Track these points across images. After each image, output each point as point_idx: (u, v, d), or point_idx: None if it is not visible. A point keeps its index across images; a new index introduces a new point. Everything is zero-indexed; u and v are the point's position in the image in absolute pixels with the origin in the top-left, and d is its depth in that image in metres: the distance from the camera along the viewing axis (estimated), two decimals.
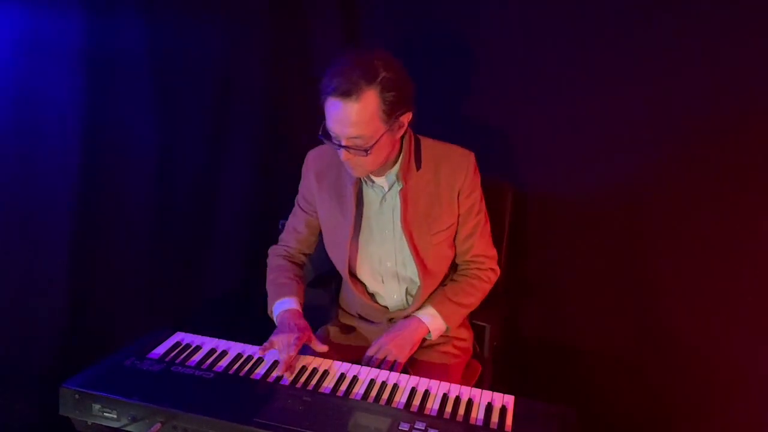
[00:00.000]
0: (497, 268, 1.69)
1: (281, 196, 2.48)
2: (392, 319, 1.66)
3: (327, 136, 1.40)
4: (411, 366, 1.62)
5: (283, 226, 2.07)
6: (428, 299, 1.63)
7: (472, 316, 1.74)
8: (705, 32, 1.67)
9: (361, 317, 1.73)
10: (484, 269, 1.66)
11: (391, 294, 1.66)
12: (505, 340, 1.95)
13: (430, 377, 1.40)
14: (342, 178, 1.58)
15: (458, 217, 1.58)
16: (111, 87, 1.97)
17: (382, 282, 1.64)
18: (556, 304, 2.12)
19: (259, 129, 2.39)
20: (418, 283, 1.61)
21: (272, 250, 1.74)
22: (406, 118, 1.43)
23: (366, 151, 1.37)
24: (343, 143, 1.37)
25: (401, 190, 1.52)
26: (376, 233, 1.59)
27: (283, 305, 1.57)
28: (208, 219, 2.35)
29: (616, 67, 1.85)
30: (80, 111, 1.89)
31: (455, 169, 1.54)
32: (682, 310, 1.83)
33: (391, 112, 1.36)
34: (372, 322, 1.70)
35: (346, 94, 1.31)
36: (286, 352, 1.39)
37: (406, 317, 1.62)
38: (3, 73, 1.75)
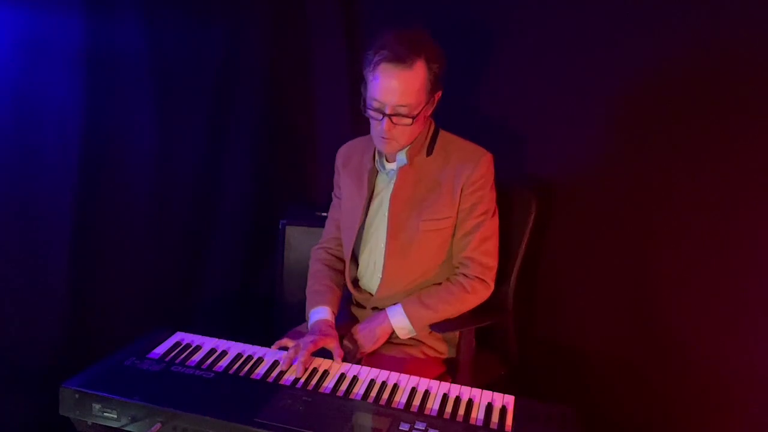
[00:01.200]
0: (490, 282, 1.60)
1: (281, 197, 2.49)
2: (375, 307, 1.68)
3: (370, 108, 1.45)
4: (371, 358, 1.61)
5: (284, 226, 2.09)
6: (403, 301, 1.60)
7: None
8: (718, 32, 1.67)
9: (357, 303, 1.77)
10: (471, 278, 1.59)
11: (376, 273, 1.65)
12: (517, 343, 1.92)
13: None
14: (362, 165, 1.64)
15: (458, 212, 1.56)
16: (111, 87, 1.97)
17: (374, 263, 1.66)
18: (556, 304, 2.11)
19: (258, 129, 2.39)
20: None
21: (313, 253, 1.79)
22: (438, 96, 1.51)
23: (412, 119, 1.43)
24: (389, 111, 1.42)
25: (402, 167, 1.56)
26: (380, 215, 1.62)
27: (317, 314, 1.61)
28: (208, 219, 2.35)
29: (616, 68, 1.85)
30: (80, 110, 1.89)
31: (464, 162, 1.54)
32: (684, 311, 1.83)
33: (434, 85, 1.45)
34: (362, 307, 1.74)
35: (401, 60, 1.37)
36: (294, 350, 1.41)
37: (376, 309, 1.65)
38: (3, 73, 1.75)
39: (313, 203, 2.43)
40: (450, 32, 2.16)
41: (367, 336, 1.57)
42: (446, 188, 1.54)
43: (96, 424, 1.27)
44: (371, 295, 1.68)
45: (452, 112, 2.16)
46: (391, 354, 1.62)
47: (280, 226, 2.25)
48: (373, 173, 1.62)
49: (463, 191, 1.54)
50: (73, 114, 1.88)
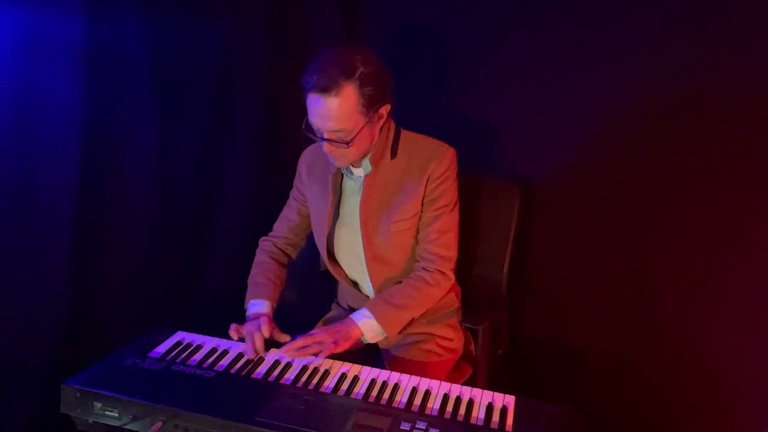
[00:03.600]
0: (450, 273, 1.60)
1: (281, 197, 2.49)
2: None
3: (310, 129, 1.46)
4: (388, 362, 1.63)
5: None
6: (367, 302, 1.59)
7: (468, 320, 1.73)
8: (710, 30, 1.68)
9: (350, 308, 1.75)
10: (431, 270, 1.58)
11: (368, 280, 1.66)
12: (508, 342, 1.94)
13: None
14: (327, 170, 1.64)
15: (422, 204, 1.56)
16: (111, 87, 1.96)
17: (360, 269, 1.66)
18: (556, 304, 2.12)
19: (259, 129, 2.39)
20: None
21: (261, 243, 1.80)
22: (385, 110, 1.48)
23: (347, 143, 1.42)
24: (326, 136, 1.43)
25: (367, 175, 1.57)
26: (352, 221, 1.62)
27: (255, 307, 1.63)
28: (209, 218, 2.35)
29: (609, 65, 1.86)
30: (80, 110, 1.88)
31: (429, 158, 1.54)
32: (683, 310, 1.84)
33: (370, 105, 1.41)
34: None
35: (326, 90, 1.36)
36: (250, 337, 1.47)
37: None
38: (3, 73, 1.75)
39: None
40: (449, 31, 2.17)
41: (332, 334, 1.50)
42: (412, 186, 1.55)
43: (97, 422, 1.27)
44: (368, 298, 1.69)
45: (438, 110, 2.17)
46: (410, 357, 1.62)
47: None
48: (338, 177, 1.62)
49: (428, 184, 1.54)
50: (73, 114, 1.88)
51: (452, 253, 1.61)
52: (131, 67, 2.01)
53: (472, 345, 1.75)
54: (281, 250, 1.78)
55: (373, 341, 1.59)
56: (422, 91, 2.32)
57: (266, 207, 2.44)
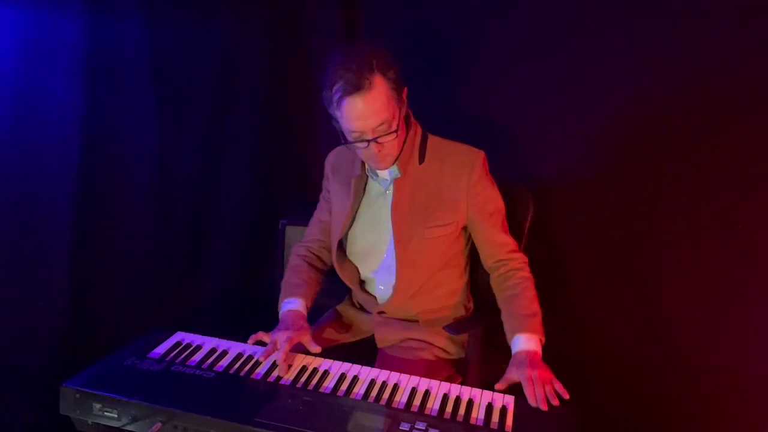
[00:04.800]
0: (525, 257, 1.62)
1: (281, 197, 2.49)
2: (382, 312, 1.67)
3: (348, 139, 1.46)
4: (380, 363, 1.62)
5: (284, 226, 2.09)
6: (508, 329, 1.53)
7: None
8: (714, 31, 1.67)
9: (360, 306, 1.77)
10: (520, 267, 1.59)
11: (379, 285, 1.67)
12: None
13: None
14: (351, 172, 1.64)
15: (466, 216, 1.57)
16: (111, 87, 1.97)
17: (373, 270, 1.66)
18: (558, 305, 2.11)
19: (259, 129, 2.39)
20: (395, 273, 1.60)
21: (294, 250, 1.79)
22: (405, 93, 1.49)
23: (395, 133, 1.43)
24: (370, 137, 1.42)
25: (397, 179, 1.56)
26: (374, 223, 1.62)
27: (288, 305, 1.61)
28: (208, 219, 2.35)
29: (618, 67, 1.85)
30: (80, 110, 1.89)
31: (461, 166, 1.55)
32: (684, 311, 1.83)
33: (398, 89, 1.43)
34: (367, 312, 1.73)
35: (359, 87, 1.36)
36: (272, 346, 1.43)
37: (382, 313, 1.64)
38: (3, 73, 1.75)
39: (313, 203, 2.43)
40: (449, 30, 2.17)
41: (544, 369, 1.41)
42: (447, 194, 1.55)
43: (96, 423, 1.27)
44: (376, 300, 1.69)
45: (451, 111, 2.16)
46: (403, 357, 1.62)
47: (280, 226, 2.25)
48: (362, 180, 1.63)
49: (468, 196, 1.55)
50: (73, 114, 1.88)
51: (515, 245, 1.63)
52: (131, 67, 2.01)
53: (465, 351, 1.73)
54: (315, 254, 1.77)
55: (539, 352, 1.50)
56: (423, 92, 2.32)
57: (266, 207, 2.45)
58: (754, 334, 1.68)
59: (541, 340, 1.49)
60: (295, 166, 2.51)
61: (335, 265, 1.70)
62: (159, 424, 1.21)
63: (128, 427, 1.25)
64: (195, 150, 2.26)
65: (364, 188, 1.64)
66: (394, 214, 1.57)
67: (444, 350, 1.65)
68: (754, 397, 1.69)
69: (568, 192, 2.03)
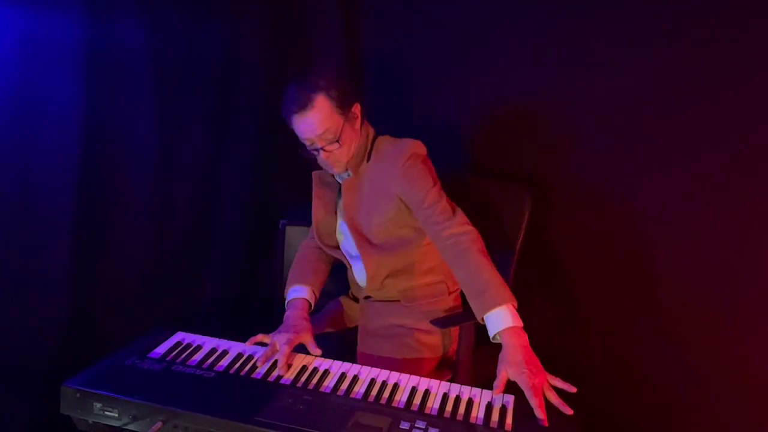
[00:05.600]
0: (467, 224, 1.58)
1: (281, 197, 2.49)
2: (368, 297, 1.78)
3: (305, 151, 1.66)
4: (361, 361, 1.62)
5: (284, 226, 2.12)
6: (475, 309, 1.49)
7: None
8: (711, 31, 1.68)
9: (353, 297, 1.89)
10: (462, 233, 1.55)
11: (357, 269, 1.77)
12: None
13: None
14: (329, 180, 1.81)
15: (398, 197, 1.64)
16: (111, 86, 1.96)
17: (351, 258, 1.78)
18: (557, 304, 2.12)
19: (259, 129, 2.39)
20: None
21: (303, 243, 1.91)
22: (356, 108, 1.66)
23: (338, 142, 1.60)
24: (319, 145, 1.61)
25: (346, 179, 1.72)
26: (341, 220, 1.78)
27: (295, 293, 1.70)
28: (208, 219, 2.35)
29: (617, 64, 1.86)
30: (80, 110, 1.88)
31: (392, 155, 1.65)
32: (684, 311, 1.83)
33: (341, 105, 1.60)
34: (355, 300, 1.86)
35: (303, 107, 1.57)
36: (271, 349, 1.46)
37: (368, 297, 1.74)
38: (3, 73, 1.75)
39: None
40: (452, 31, 2.17)
41: (534, 363, 1.38)
42: (383, 184, 1.66)
43: (97, 422, 1.28)
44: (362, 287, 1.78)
45: (448, 109, 2.17)
46: (386, 350, 1.66)
47: (280, 226, 2.25)
48: (335, 187, 1.80)
49: (397, 181, 1.62)
50: (73, 114, 1.88)
51: (452, 211, 1.60)
52: (131, 67, 2.01)
53: (455, 346, 1.73)
54: (321, 249, 1.86)
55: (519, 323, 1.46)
56: (423, 91, 2.32)
57: (266, 207, 2.45)
58: (755, 334, 1.68)
59: (514, 306, 1.44)
60: (295, 166, 2.51)
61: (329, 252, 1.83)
62: (159, 424, 1.21)
63: (129, 427, 1.25)
64: (195, 150, 2.26)
65: (339, 189, 1.77)
66: (345, 211, 1.72)
67: (424, 330, 1.69)
68: (754, 397, 1.70)
69: (565, 191, 2.03)
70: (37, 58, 1.80)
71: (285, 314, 1.64)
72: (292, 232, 2.24)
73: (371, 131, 1.73)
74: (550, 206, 2.03)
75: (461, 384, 1.38)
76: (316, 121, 1.58)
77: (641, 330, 1.93)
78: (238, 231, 2.43)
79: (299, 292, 1.70)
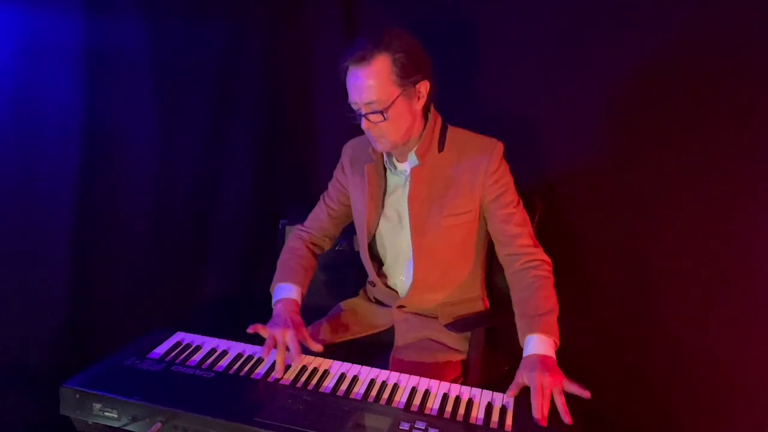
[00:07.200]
0: (546, 256, 1.59)
1: (281, 197, 2.49)
2: (401, 306, 1.68)
3: (351, 111, 1.49)
4: (393, 365, 1.60)
5: (284, 226, 2.09)
6: (520, 329, 1.50)
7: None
8: (715, 30, 1.67)
9: (377, 301, 1.77)
10: (538, 264, 1.56)
11: (399, 276, 1.68)
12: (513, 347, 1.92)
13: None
14: (366, 162, 1.65)
15: (481, 204, 1.57)
16: (111, 86, 1.97)
17: (396, 263, 1.67)
18: (561, 304, 2.11)
19: (259, 129, 2.39)
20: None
21: (295, 231, 1.80)
22: (424, 86, 1.49)
23: (382, 114, 1.43)
24: (363, 112, 1.46)
25: (415, 167, 1.57)
26: (394, 215, 1.63)
27: (283, 292, 1.61)
28: (208, 219, 2.35)
29: (621, 67, 1.85)
30: (80, 110, 1.89)
31: (479, 154, 1.55)
32: (684, 311, 1.83)
33: (404, 75, 1.43)
34: (385, 306, 1.73)
35: (359, 59, 1.41)
36: (272, 341, 1.42)
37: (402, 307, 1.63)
38: (3, 72, 1.75)
39: (313, 203, 2.44)
40: (452, 29, 2.17)
41: (554, 369, 1.37)
42: (464, 182, 1.56)
43: (96, 423, 1.27)
44: (397, 294, 1.70)
45: (455, 109, 2.16)
46: (418, 356, 1.61)
47: (280, 226, 2.25)
48: (378, 168, 1.63)
49: (484, 184, 1.55)
50: (73, 113, 1.89)
51: (536, 239, 1.60)
52: (131, 66, 2.01)
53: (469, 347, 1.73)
54: (315, 242, 1.78)
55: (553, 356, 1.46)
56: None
57: (266, 207, 2.45)
58: (755, 334, 1.68)
59: (555, 343, 1.45)
60: (295, 166, 2.51)
61: (364, 260, 1.71)
62: (159, 424, 1.21)
63: (128, 427, 1.25)
64: (195, 150, 2.26)
65: (385, 179, 1.64)
66: (411, 202, 1.57)
67: (458, 351, 1.65)
68: (754, 397, 1.69)
69: (573, 192, 2.02)
70: (37, 58, 1.80)
71: (275, 309, 1.57)
72: (292, 232, 2.24)
73: (439, 118, 1.59)
74: (558, 208, 2.03)
75: (471, 386, 1.37)
76: (369, 83, 1.42)
77: (641, 330, 1.93)
78: (238, 231, 2.43)
79: (288, 292, 1.60)
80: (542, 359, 1.39)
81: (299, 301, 1.61)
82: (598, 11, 1.86)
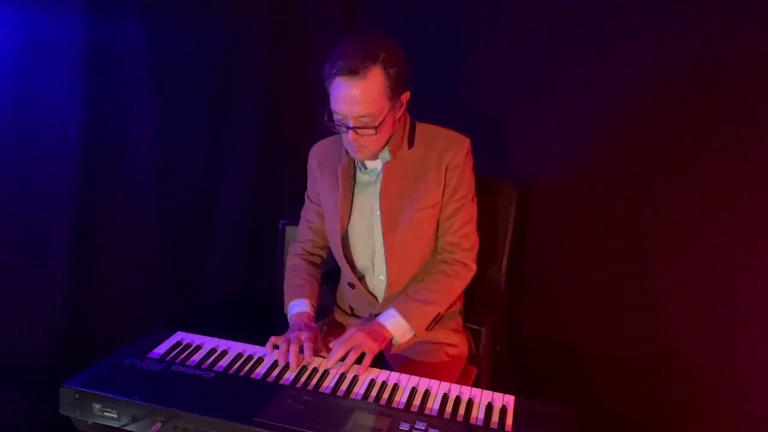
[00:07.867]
0: (471, 263, 1.61)
1: (281, 196, 2.49)
2: (378, 314, 1.64)
3: (331, 120, 1.44)
4: (396, 364, 1.60)
5: (284, 226, 2.09)
6: (394, 303, 1.56)
7: (468, 320, 1.73)
8: (710, 30, 1.67)
9: (352, 312, 1.75)
10: (452, 263, 1.60)
11: (377, 275, 1.66)
12: (507, 342, 1.94)
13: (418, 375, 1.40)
14: (338, 163, 1.62)
15: (443, 194, 1.57)
16: (111, 87, 1.97)
17: (371, 262, 1.66)
18: (556, 304, 2.11)
19: (259, 129, 2.39)
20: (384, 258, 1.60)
21: (290, 250, 1.79)
22: (406, 97, 1.49)
23: (375, 129, 1.41)
24: (351, 124, 1.41)
25: (387, 163, 1.56)
26: (365, 212, 1.62)
27: (296, 308, 1.61)
28: (208, 218, 2.35)
29: (609, 64, 1.85)
30: (80, 110, 1.89)
31: (446, 146, 1.56)
32: (683, 311, 1.83)
33: (395, 89, 1.41)
34: (359, 317, 1.72)
35: (353, 72, 1.35)
36: (286, 347, 1.41)
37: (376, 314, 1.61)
38: (3, 73, 1.76)
39: None
40: (448, 27, 2.17)
41: (372, 335, 1.45)
42: (432, 174, 1.56)
43: (96, 423, 1.27)
44: (376, 300, 1.68)
45: (436, 106, 2.16)
46: (416, 359, 1.60)
47: (280, 226, 2.24)
48: (349, 169, 1.61)
49: (447, 172, 1.55)
50: (73, 114, 1.89)
51: (473, 244, 1.62)
52: (131, 66, 2.01)
53: (472, 345, 1.74)
54: (312, 252, 1.78)
55: (403, 340, 1.56)
56: (419, 87, 2.32)
57: (266, 207, 2.45)
58: (754, 334, 1.68)
59: (411, 330, 1.52)
60: (296, 167, 2.51)
61: (340, 262, 1.69)
62: (159, 424, 1.21)
63: (128, 428, 1.24)
64: (195, 149, 2.26)
65: (354, 179, 1.63)
66: (383, 199, 1.56)
67: (452, 345, 1.65)
68: (754, 397, 1.69)
69: (554, 188, 2.03)
70: (38, 58, 1.80)
71: (290, 322, 1.58)
72: (292, 232, 2.23)
73: (408, 116, 1.59)
74: (538, 205, 2.03)
75: (482, 387, 1.37)
76: (362, 98, 1.37)
77: (643, 332, 1.93)
78: (238, 231, 2.42)
79: (299, 307, 1.61)
80: (380, 328, 1.48)
81: (311, 312, 1.61)
82: (588, 11, 1.86)
